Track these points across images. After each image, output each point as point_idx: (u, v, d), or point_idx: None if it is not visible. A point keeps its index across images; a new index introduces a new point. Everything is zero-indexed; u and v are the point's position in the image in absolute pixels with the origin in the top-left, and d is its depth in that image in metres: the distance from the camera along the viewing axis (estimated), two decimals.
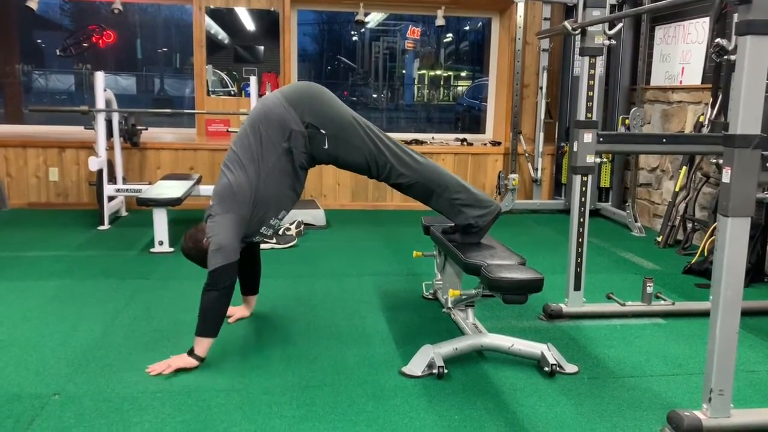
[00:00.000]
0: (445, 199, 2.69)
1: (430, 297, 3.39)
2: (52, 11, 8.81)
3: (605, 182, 5.70)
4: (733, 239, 1.96)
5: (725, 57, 3.28)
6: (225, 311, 2.52)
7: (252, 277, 2.98)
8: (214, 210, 2.55)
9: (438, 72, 9.57)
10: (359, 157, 2.61)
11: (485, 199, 2.74)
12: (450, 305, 3.03)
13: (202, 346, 2.47)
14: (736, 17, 1.92)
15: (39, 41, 8.80)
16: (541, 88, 5.91)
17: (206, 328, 2.46)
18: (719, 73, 4.21)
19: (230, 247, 2.47)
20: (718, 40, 2.77)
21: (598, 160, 3.05)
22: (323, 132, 2.55)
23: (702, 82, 4.64)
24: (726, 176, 1.94)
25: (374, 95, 9.20)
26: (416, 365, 2.49)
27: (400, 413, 2.18)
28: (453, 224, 2.82)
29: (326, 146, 2.56)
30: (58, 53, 6.92)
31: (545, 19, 5.91)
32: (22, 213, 5.30)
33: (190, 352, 2.46)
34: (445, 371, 2.44)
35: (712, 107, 4.25)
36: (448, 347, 2.55)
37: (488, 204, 2.73)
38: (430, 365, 2.47)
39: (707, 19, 4.57)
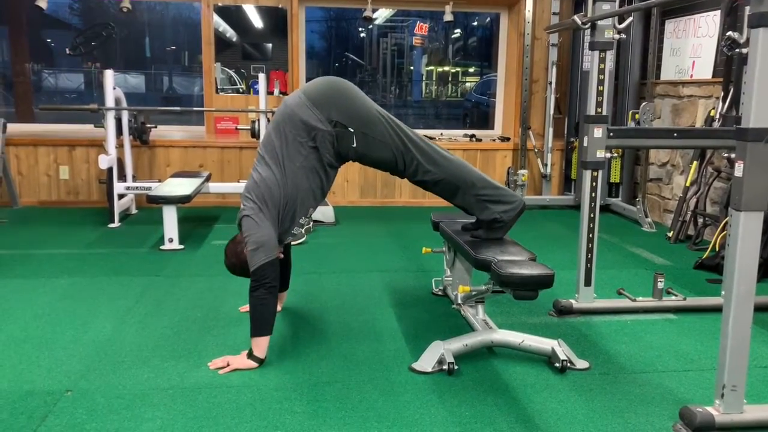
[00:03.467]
0: (471, 196, 2.67)
1: (440, 293, 3.39)
2: (61, 10, 8.86)
3: (615, 177, 5.67)
4: (745, 234, 1.95)
5: (737, 50, 3.26)
6: (275, 308, 2.48)
7: (283, 272, 2.96)
8: (246, 210, 2.51)
9: (446, 68, 9.55)
10: (387, 153, 2.58)
11: (510, 194, 2.74)
12: (460, 301, 3.03)
13: (260, 346, 2.46)
14: (747, 10, 1.90)
15: (48, 40, 8.85)
16: (550, 83, 5.89)
17: (260, 327, 2.44)
18: (731, 66, 4.17)
19: (270, 243, 2.44)
20: (729, 33, 2.74)
21: (608, 155, 3.04)
22: (351, 130, 2.51)
23: (713, 76, 4.60)
24: (738, 170, 1.92)
25: (382, 92, 9.19)
26: (426, 361, 2.48)
27: (411, 409, 2.18)
28: (473, 221, 2.81)
29: (354, 144, 2.53)
30: (67, 52, 6.95)
31: (554, 13, 5.89)
32: (33, 211, 5.34)
33: (250, 354, 2.46)
34: (456, 367, 2.43)
35: (724, 101, 4.22)
36: (458, 343, 2.55)
37: (513, 199, 2.72)
38: (441, 361, 2.46)
39: (718, 13, 4.54)
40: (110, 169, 4.80)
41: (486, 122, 7.20)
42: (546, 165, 5.94)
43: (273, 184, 2.50)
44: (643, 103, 4.20)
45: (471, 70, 9.53)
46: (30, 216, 5.15)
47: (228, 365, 2.44)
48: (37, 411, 2.11)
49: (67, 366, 2.45)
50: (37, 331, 2.79)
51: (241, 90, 6.31)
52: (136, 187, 4.97)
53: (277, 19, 6.13)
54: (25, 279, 3.52)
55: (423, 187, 2.72)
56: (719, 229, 4.04)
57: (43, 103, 7.26)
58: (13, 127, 5.60)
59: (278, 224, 2.53)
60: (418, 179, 2.65)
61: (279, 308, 3.04)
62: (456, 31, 9.16)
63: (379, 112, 2.59)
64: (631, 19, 3.19)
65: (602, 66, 3.03)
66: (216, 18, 6.04)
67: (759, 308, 2.55)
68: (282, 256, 2.92)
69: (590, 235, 3.15)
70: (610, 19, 2.97)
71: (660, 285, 3.19)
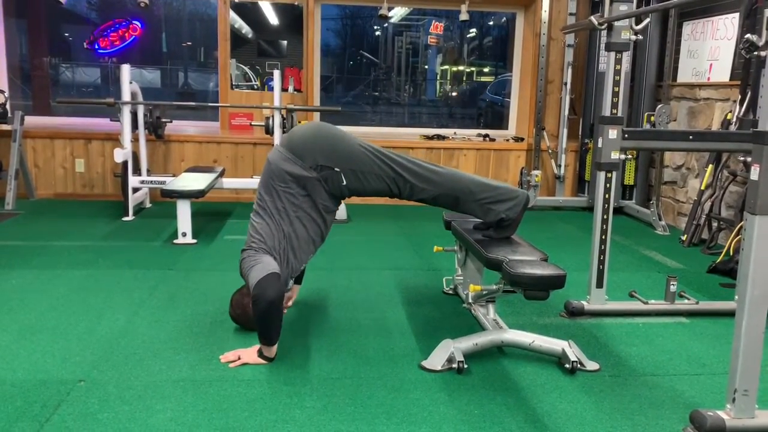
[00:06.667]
0: (471, 202, 2.68)
1: (451, 292, 3.39)
2: (79, 5, 8.92)
3: (629, 180, 5.63)
4: (760, 238, 1.93)
5: (755, 53, 3.22)
6: (280, 318, 2.44)
7: None
8: (243, 255, 2.55)
9: (461, 67, 9.53)
10: (380, 183, 2.61)
11: (510, 190, 2.72)
12: (471, 300, 3.03)
13: (269, 350, 2.47)
14: (767, 12, 1.89)
15: (66, 35, 8.92)
16: (566, 83, 5.86)
17: (266, 338, 2.44)
18: (748, 69, 4.14)
19: (268, 263, 2.45)
20: (748, 35, 2.71)
21: (622, 156, 3.02)
22: (337, 170, 2.55)
23: (730, 79, 4.57)
24: (754, 174, 1.91)
25: (396, 90, 9.20)
26: (436, 359, 2.49)
27: (420, 407, 2.18)
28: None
29: (345, 182, 2.57)
30: (85, 46, 7.01)
31: (571, 14, 5.86)
32: (49, 203, 5.40)
33: (260, 353, 2.47)
34: (465, 366, 2.44)
35: (741, 104, 4.18)
36: (469, 342, 2.55)
37: (514, 194, 2.71)
38: (450, 360, 2.47)
39: (736, 15, 4.50)
40: (125, 163, 4.84)
41: (500, 122, 7.17)
42: (560, 166, 5.92)
43: (267, 234, 2.54)
44: (659, 105, 4.18)
45: (486, 69, 9.50)
46: (45, 208, 5.21)
47: (239, 359, 2.46)
48: (51, 400, 2.14)
49: (81, 356, 2.48)
50: (51, 322, 2.82)
51: (255, 86, 6.34)
52: (151, 181, 5.01)
53: (292, 17, 6.16)
54: (40, 270, 3.56)
55: (425, 204, 2.75)
56: (734, 233, 4.01)
57: (60, 97, 7.32)
58: (31, 120, 5.66)
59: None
60: (416, 198, 2.68)
61: (291, 303, 3.06)
62: (471, 30, 9.12)
63: (362, 145, 2.61)
64: (648, 20, 3.17)
65: (618, 67, 3.02)
66: (232, 14, 6.06)
67: None
68: (290, 298, 2.99)
69: (603, 237, 3.14)
70: (627, 20, 2.96)
71: (673, 288, 3.17)
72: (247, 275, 2.45)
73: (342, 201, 2.72)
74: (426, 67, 9.42)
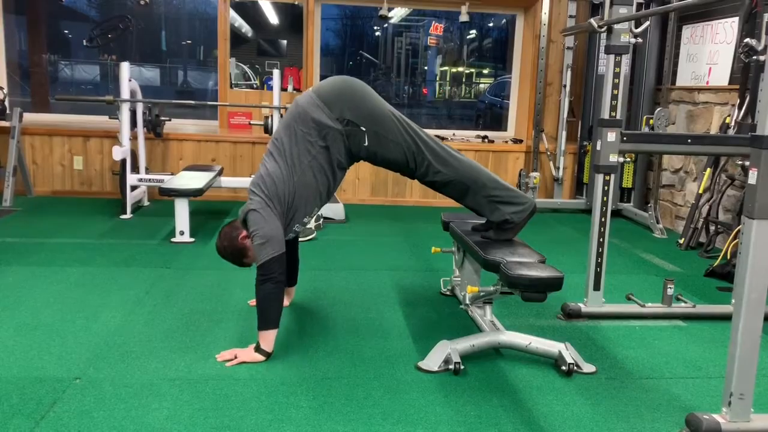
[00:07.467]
0: (481, 197, 2.66)
1: (448, 293, 3.39)
2: (79, 2, 8.91)
3: (627, 183, 5.64)
4: (758, 242, 1.93)
5: (754, 57, 3.23)
6: (281, 301, 2.50)
7: (291, 268, 2.98)
8: (252, 204, 2.53)
9: (460, 69, 9.53)
10: (398, 153, 2.58)
11: (521, 195, 2.72)
12: (468, 302, 3.03)
13: (267, 340, 2.47)
14: (766, 17, 1.89)
15: (66, 32, 8.91)
16: (565, 86, 5.87)
17: (266, 321, 2.45)
18: (747, 73, 4.14)
19: (277, 238, 2.45)
20: (747, 39, 2.71)
21: (621, 159, 3.02)
22: (363, 129, 2.52)
23: (729, 83, 4.57)
24: (752, 178, 1.91)
25: (396, 90, 9.20)
26: (433, 360, 2.49)
27: (416, 407, 2.18)
28: (483, 221, 2.80)
29: (366, 143, 2.54)
30: (84, 44, 7.00)
31: (570, 16, 5.87)
32: (47, 200, 5.39)
33: (257, 348, 2.47)
34: (462, 367, 2.44)
35: (740, 108, 4.19)
36: (465, 343, 2.55)
37: (524, 200, 2.70)
38: (447, 361, 2.47)
39: (736, 19, 4.50)
40: (124, 161, 4.84)
41: (499, 124, 7.18)
42: (558, 168, 5.92)
43: (279, 179, 2.51)
44: (658, 109, 4.18)
45: (485, 71, 9.51)
46: (43, 205, 5.20)
47: (235, 358, 2.45)
48: (46, 397, 2.14)
49: (77, 354, 2.48)
50: (48, 319, 2.82)
51: (255, 86, 6.33)
52: (149, 180, 5.00)
53: (292, 16, 6.16)
54: (37, 267, 3.55)
55: (433, 188, 2.71)
56: (731, 237, 4.01)
57: (59, 94, 7.30)
58: (29, 117, 5.65)
59: (283, 221, 2.54)
60: (428, 180, 2.64)
61: (287, 303, 3.06)
62: (471, 31, 9.13)
63: (392, 111, 2.59)
64: (647, 23, 3.17)
65: (617, 70, 3.02)
66: (232, 13, 6.06)
67: None
68: None
69: (601, 240, 3.14)
70: (627, 23, 2.96)
71: (670, 291, 3.17)
72: (252, 235, 2.46)
73: (356, 161, 2.67)
74: (425, 68, 9.43)
